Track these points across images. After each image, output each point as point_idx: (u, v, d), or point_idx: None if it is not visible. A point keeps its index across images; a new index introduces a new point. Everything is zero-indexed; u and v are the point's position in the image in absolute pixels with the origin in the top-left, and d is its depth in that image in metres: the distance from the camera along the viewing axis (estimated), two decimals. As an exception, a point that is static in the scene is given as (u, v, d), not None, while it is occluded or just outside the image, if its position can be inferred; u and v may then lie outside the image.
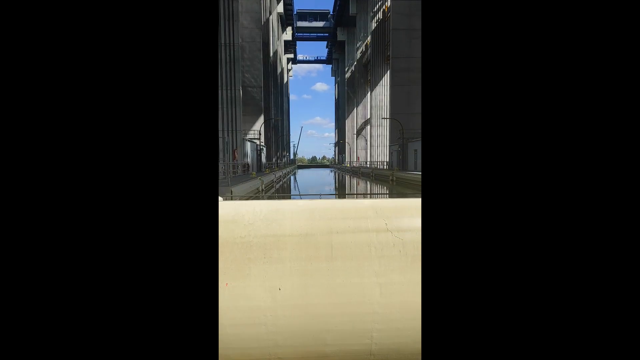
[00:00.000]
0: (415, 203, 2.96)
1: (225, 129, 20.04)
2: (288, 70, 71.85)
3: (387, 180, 25.21)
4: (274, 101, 47.52)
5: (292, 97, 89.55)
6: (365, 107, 53.18)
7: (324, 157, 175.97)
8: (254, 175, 16.04)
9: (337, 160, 77.40)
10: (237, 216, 4.92)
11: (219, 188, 10.28)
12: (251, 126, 32.81)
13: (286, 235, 3.71)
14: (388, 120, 42.43)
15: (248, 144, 23.04)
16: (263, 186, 15.78)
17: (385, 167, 34.10)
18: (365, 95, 53.36)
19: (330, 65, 79.23)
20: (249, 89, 32.90)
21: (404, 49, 32.29)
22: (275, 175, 23.64)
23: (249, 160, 23.38)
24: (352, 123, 62.92)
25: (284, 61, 64.01)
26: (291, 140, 76.19)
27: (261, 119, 33.91)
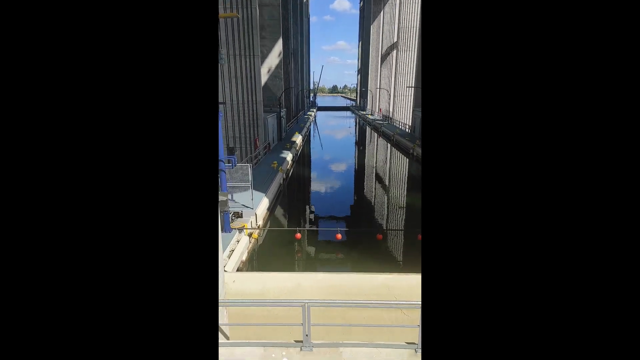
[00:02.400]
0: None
1: (241, 54, 18.85)
2: (308, -14, 64.21)
3: (407, 152, 24.89)
4: (293, 23, 43.87)
5: (312, 18, 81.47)
6: (392, 25, 48.33)
7: (345, 87, 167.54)
8: (275, 166, 16.59)
9: (358, 103, 74.06)
10: (264, 290, 6.67)
11: (244, 210, 10.86)
12: (269, 51, 31.32)
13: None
14: (417, 44, 39.01)
15: (269, 120, 22.63)
16: (284, 175, 17.07)
17: (407, 129, 32.94)
18: (392, 11, 47.93)
19: (356, -21, 69.63)
20: (265, 6, 30.36)
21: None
22: (297, 146, 24.80)
23: (270, 136, 23.28)
24: (377, 46, 57.99)
25: (304, -26, 56.84)
26: (312, 69, 72.12)
27: (279, 44, 32.11)
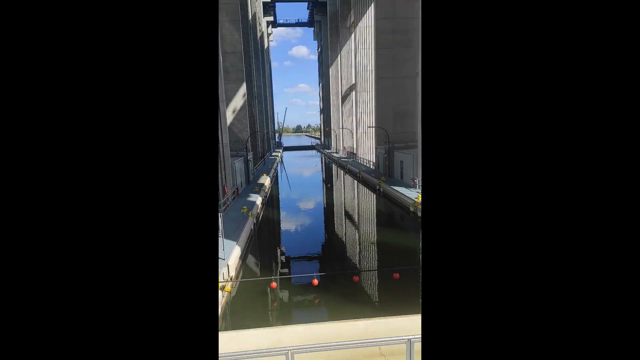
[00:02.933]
0: (407, 323, 3.70)
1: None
2: (268, 35, 67.65)
3: (374, 188, 25.82)
4: (255, 68, 45.42)
5: (273, 64, 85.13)
6: (350, 68, 51.47)
7: (308, 126, 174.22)
8: (245, 211, 16.40)
9: (322, 142, 76.92)
10: (245, 351, 6.11)
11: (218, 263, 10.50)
12: (233, 95, 31.86)
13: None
14: (373, 85, 41.51)
15: (236, 164, 22.70)
16: (255, 220, 16.94)
17: (371, 166, 34.39)
18: (349, 55, 51.28)
19: (312, 29, 74.89)
20: (228, 54, 31.35)
21: (388, 8, 30.57)
22: (265, 188, 25.21)
23: (238, 180, 23.23)
24: (336, 87, 61.11)
25: (264, 24, 60.03)
26: (275, 110, 74.32)
27: (243, 88, 32.84)
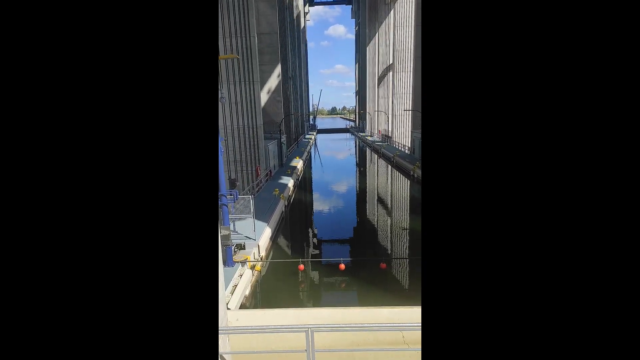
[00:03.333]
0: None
1: (241, 80, 19.21)
2: (305, 14, 66.45)
3: (408, 174, 25.21)
4: (291, 49, 45.13)
5: (309, 44, 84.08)
6: (387, 47, 49.57)
7: (343, 108, 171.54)
8: (276, 193, 16.66)
9: (357, 124, 75.62)
10: (269, 325, 6.47)
11: (246, 243, 10.89)
12: (268, 76, 32.07)
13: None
14: (412, 66, 39.84)
15: (270, 147, 23.01)
16: (286, 202, 17.28)
17: (406, 151, 33.36)
18: (387, 34, 49.28)
19: (350, 6, 72.40)
20: (263, 35, 31.34)
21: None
22: (298, 171, 25.24)
23: (271, 162, 23.59)
24: (373, 68, 59.25)
25: (300, 3, 58.94)
26: (310, 92, 73.92)
27: (278, 69, 32.90)
